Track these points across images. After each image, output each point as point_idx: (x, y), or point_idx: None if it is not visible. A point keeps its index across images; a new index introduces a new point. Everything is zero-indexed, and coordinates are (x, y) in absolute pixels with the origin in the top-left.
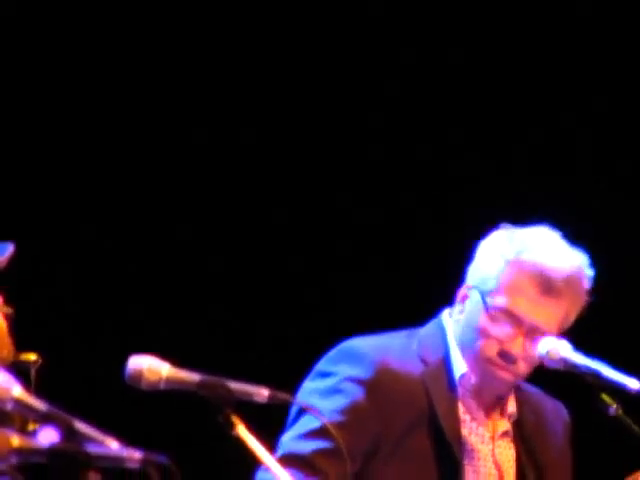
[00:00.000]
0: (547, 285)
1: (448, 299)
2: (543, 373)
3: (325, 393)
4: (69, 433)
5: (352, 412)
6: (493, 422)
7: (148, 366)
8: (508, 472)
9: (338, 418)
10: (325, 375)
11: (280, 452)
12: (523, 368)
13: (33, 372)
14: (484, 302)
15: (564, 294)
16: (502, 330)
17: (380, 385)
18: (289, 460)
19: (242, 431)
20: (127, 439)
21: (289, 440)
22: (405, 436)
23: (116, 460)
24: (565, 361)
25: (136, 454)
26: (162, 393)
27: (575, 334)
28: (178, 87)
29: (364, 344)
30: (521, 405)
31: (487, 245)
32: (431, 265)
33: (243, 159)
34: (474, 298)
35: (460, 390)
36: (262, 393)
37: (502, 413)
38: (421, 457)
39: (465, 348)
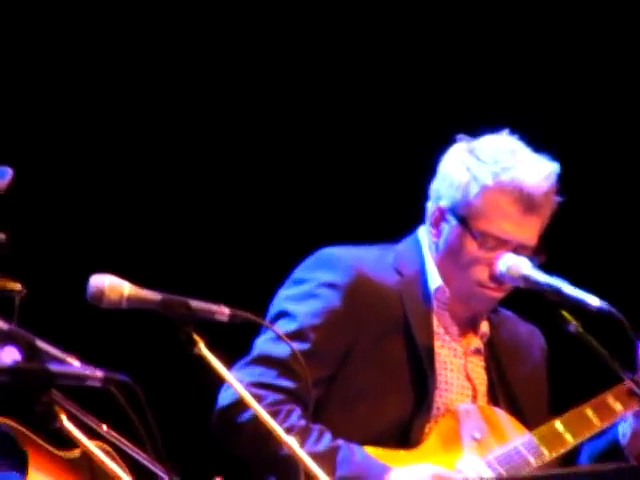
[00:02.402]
0: (529, 204)
1: (419, 216)
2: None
3: (301, 298)
4: (31, 352)
5: (327, 315)
6: (466, 339)
7: (109, 285)
8: (480, 388)
9: (313, 321)
10: (301, 282)
11: (255, 353)
12: (509, 285)
13: (17, 301)
14: (468, 228)
15: (544, 207)
16: (490, 254)
17: (356, 291)
18: (264, 360)
19: (203, 349)
20: (89, 358)
21: (264, 341)
22: (378, 342)
23: (78, 378)
24: (526, 278)
25: (98, 372)
26: (124, 312)
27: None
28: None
29: (341, 252)
30: (495, 327)
31: (453, 163)
32: (398, 183)
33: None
34: (452, 223)
35: (435, 303)
36: (223, 311)
37: (475, 332)
38: (393, 364)
39: (451, 273)
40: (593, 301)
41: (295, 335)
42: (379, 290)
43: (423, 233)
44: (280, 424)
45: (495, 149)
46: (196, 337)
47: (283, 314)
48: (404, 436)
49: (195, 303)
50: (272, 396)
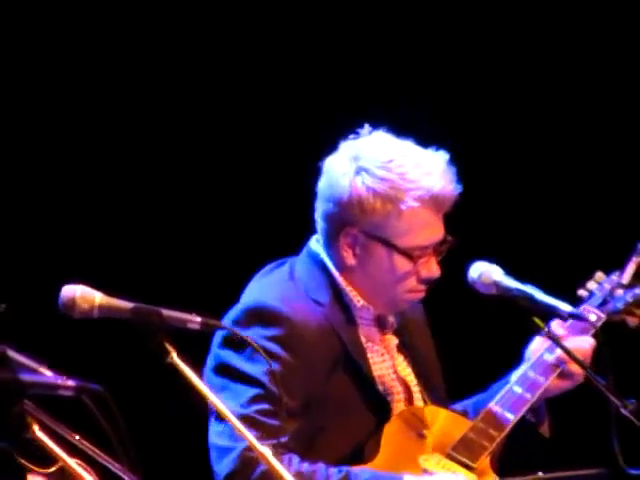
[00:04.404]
0: (440, 205)
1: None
2: None
3: (246, 358)
4: (2, 361)
5: (282, 371)
6: (386, 339)
7: (81, 294)
8: (410, 382)
9: (268, 380)
10: (240, 340)
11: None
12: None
13: None
14: (394, 248)
15: (452, 199)
16: (417, 263)
17: (299, 337)
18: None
19: (175, 358)
20: (61, 368)
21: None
22: (327, 383)
23: (50, 388)
24: (497, 285)
25: (69, 382)
26: (95, 321)
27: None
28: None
29: (266, 298)
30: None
31: (352, 185)
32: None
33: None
34: (373, 245)
35: (358, 321)
36: (195, 320)
37: (385, 327)
38: (348, 398)
39: (378, 291)
40: (565, 307)
41: (258, 397)
42: (315, 329)
43: (321, 251)
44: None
45: (388, 161)
46: (168, 346)
47: (235, 375)
48: (360, 456)
49: (167, 312)
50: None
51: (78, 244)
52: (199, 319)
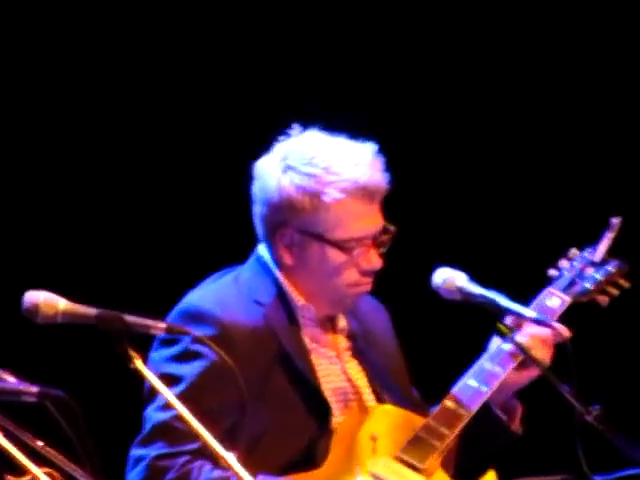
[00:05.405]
0: (370, 195)
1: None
2: None
3: (178, 358)
4: None
5: (210, 371)
6: (335, 341)
7: (44, 300)
8: (361, 384)
9: (199, 380)
10: (172, 342)
11: (149, 425)
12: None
13: None
14: (327, 242)
15: (381, 190)
16: (355, 255)
17: (229, 339)
18: (160, 431)
19: (139, 364)
20: (24, 374)
21: (154, 410)
22: (265, 381)
23: (13, 394)
24: (462, 290)
25: (33, 388)
26: (59, 327)
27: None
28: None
29: (202, 301)
30: (347, 316)
31: (281, 185)
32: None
33: None
34: (308, 242)
35: (301, 321)
36: (159, 326)
37: (335, 330)
38: (285, 398)
39: (319, 289)
40: (529, 313)
41: (186, 396)
42: (250, 330)
43: (266, 254)
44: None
45: (313, 157)
46: (132, 352)
47: (166, 377)
48: (312, 460)
49: (130, 318)
50: (178, 461)
51: (41, 250)
52: (163, 325)
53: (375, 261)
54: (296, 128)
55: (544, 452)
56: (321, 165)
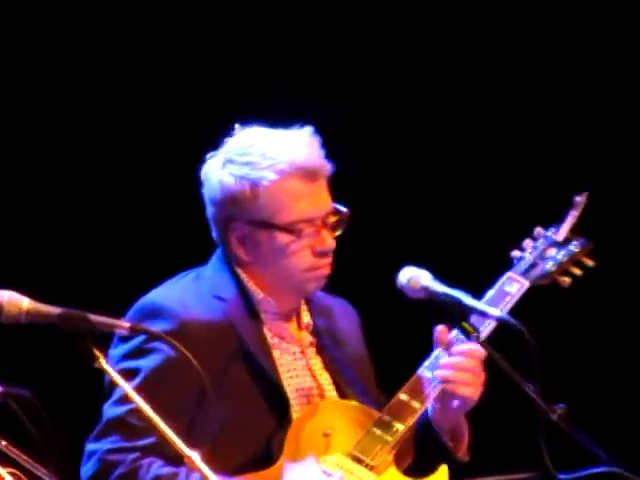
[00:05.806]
0: (309, 174)
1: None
2: None
3: (136, 354)
4: None
5: (167, 366)
6: (300, 337)
7: (8, 299)
8: (324, 381)
9: (156, 374)
10: (129, 337)
11: (104, 419)
12: (332, 254)
13: None
14: (274, 227)
15: (323, 167)
16: (304, 237)
17: (185, 335)
18: (115, 425)
19: (103, 363)
20: None
21: (111, 405)
22: (223, 377)
23: None
24: (426, 289)
25: None
26: (23, 327)
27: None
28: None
29: (161, 298)
30: (314, 313)
31: (221, 180)
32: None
33: None
34: (256, 232)
35: (263, 316)
36: (123, 325)
37: (299, 326)
38: (244, 392)
39: (277, 278)
40: (493, 312)
41: (143, 388)
42: (208, 325)
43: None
44: (144, 478)
45: (249, 146)
46: (96, 351)
47: (124, 372)
48: (270, 457)
49: (94, 317)
50: (129, 457)
51: (3, 250)
52: (127, 324)
53: (328, 241)
54: (237, 127)
55: (509, 450)
56: (257, 152)
